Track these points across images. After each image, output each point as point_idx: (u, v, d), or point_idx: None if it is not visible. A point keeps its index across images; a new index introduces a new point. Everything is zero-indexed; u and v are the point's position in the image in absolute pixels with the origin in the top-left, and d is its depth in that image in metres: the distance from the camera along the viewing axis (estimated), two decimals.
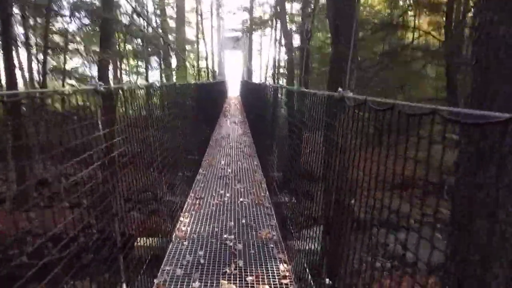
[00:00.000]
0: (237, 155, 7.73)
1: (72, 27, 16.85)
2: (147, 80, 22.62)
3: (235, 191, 5.21)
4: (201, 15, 23.22)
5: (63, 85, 12.96)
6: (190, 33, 26.47)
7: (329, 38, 19.72)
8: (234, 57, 32.48)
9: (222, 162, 7.04)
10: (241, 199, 4.80)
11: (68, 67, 19.65)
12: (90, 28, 15.42)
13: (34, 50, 14.54)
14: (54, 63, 17.85)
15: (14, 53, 12.77)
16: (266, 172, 6.14)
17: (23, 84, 13.97)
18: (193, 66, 21.01)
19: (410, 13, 13.39)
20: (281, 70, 20.56)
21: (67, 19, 14.58)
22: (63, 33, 16.28)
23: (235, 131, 11.01)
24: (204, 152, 7.89)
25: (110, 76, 22.38)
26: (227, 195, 5.00)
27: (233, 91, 28.95)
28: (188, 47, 25.54)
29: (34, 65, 16.70)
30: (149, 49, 20.72)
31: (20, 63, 13.10)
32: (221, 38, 29.38)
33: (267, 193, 5.14)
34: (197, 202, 4.73)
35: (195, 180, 5.80)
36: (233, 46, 27.69)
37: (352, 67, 7.14)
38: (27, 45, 14.30)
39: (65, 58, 16.85)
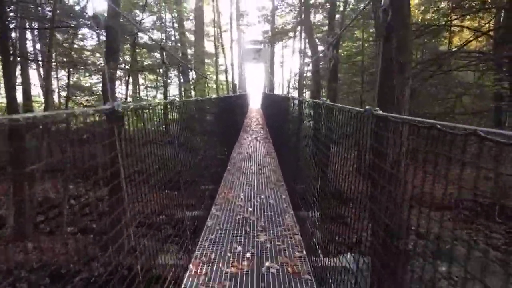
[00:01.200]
0: (260, 184, 6.27)
1: (92, 42, 16.12)
2: (165, 94, 21.70)
3: (259, 247, 3.73)
4: (220, 27, 22.17)
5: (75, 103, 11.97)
6: (209, 46, 25.53)
7: (355, 47, 18.24)
8: (255, 69, 31.32)
9: (242, 196, 5.58)
10: (267, 264, 3.31)
11: (89, 83, 19.02)
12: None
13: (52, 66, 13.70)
14: (74, 79, 17.15)
15: (17, 68, 11.89)
16: (298, 212, 4.65)
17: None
18: (212, 80, 19.88)
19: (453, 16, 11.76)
20: (305, 81, 19.13)
21: (87, 33, 13.77)
22: (80, 48, 15.53)
23: (257, 151, 9.58)
24: (220, 181, 6.47)
25: (129, 91, 21.61)
26: (247, 255, 3.51)
27: (255, 104, 27.69)
28: (207, 60, 24.54)
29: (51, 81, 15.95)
30: (168, 62, 19.82)
31: (27, 78, 12.18)
32: (241, 50, 28.28)
33: (304, 251, 3.63)
34: (203, 270, 3.26)
35: (205, 227, 4.36)
36: (254, 58, 26.50)
37: (406, 75, 5.63)
38: (39, 60, 13.45)
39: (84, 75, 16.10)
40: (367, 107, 2.02)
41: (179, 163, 3.69)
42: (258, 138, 11.96)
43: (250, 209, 4.97)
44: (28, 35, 14.10)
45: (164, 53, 3.27)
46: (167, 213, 4.06)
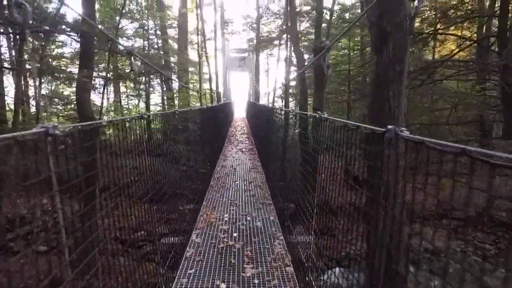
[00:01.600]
0: (246, 204, 5.75)
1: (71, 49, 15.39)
2: (147, 103, 21.02)
3: (245, 284, 3.20)
4: (204, 35, 21.68)
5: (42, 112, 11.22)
6: (193, 54, 24.98)
7: (341, 56, 18.02)
8: (240, 78, 30.93)
9: (226, 218, 5.05)
10: None
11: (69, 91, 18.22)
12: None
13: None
14: (53, 88, 16.33)
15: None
16: (289, 238, 4.16)
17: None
18: (196, 90, 19.32)
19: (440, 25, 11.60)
20: (291, 90, 18.75)
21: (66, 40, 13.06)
22: (55, 56, 14.78)
23: (242, 163, 9.06)
24: (202, 199, 5.93)
25: (110, 100, 20.82)
26: None
27: (240, 112, 27.21)
28: (191, 68, 23.97)
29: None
30: (138, 70, 19.26)
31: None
32: (226, 58, 27.85)
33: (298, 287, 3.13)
34: None
35: (184, 258, 3.80)
36: (238, 66, 26.08)
37: (403, 84, 5.25)
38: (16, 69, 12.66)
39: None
40: (389, 126, 1.54)
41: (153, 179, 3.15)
42: (243, 149, 11.46)
43: (235, 234, 4.44)
44: (4, 42, 13.35)
45: (132, 59, 2.74)
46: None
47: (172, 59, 23.18)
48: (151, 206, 3.33)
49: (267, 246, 4.08)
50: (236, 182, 7.12)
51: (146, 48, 21.14)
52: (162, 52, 20.99)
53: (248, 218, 5.03)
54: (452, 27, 12.23)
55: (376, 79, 5.61)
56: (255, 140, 12.71)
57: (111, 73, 14.16)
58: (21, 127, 11.89)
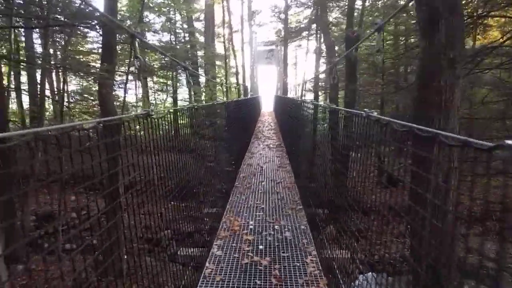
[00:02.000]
0: (274, 209, 5.18)
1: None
2: (174, 97, 20.86)
3: None
4: (231, 27, 21.17)
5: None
6: (220, 47, 24.57)
7: (372, 47, 17.00)
8: (267, 71, 30.28)
9: (251, 226, 4.51)
10: None
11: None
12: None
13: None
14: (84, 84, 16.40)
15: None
16: (324, 254, 3.57)
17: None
18: (222, 84, 18.88)
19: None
20: (320, 83, 17.93)
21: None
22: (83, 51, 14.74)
23: (269, 161, 8.49)
24: (225, 202, 5.43)
25: (138, 95, 20.81)
26: None
27: (267, 107, 26.61)
28: (218, 62, 23.57)
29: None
30: (141, 57, 19.06)
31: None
32: (253, 51, 27.26)
33: None
34: None
35: (202, 276, 3.29)
36: (266, 58, 25.42)
37: (457, 73, 4.52)
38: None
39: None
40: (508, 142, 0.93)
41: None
42: (271, 145, 10.89)
43: (261, 246, 3.90)
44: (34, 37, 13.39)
45: (137, 44, 2.21)
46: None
47: (199, 53, 22.88)
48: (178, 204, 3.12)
49: (298, 264, 3.51)
50: (263, 183, 6.57)
51: (173, 41, 20.92)
52: (188, 46, 20.68)
53: (276, 227, 4.47)
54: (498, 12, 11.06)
55: (422, 69, 4.88)
56: (283, 136, 12.11)
57: (134, 67, 13.87)
58: (47, 123, 11.84)
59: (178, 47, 20.47)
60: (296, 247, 3.91)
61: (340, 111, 4.02)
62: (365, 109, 2.50)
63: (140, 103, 21.29)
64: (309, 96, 19.71)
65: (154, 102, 21.19)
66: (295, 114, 9.64)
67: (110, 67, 7.64)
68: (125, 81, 11.02)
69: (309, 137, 6.68)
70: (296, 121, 9.27)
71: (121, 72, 17.00)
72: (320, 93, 18.48)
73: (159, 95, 22.95)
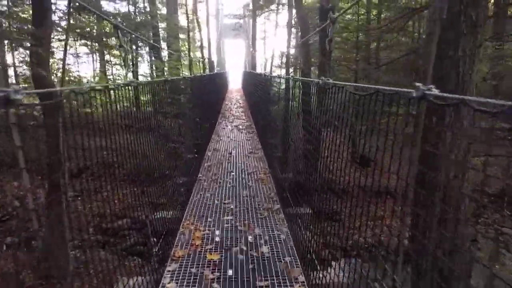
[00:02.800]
0: (246, 210, 4.14)
1: None
2: (135, 73, 19.10)
3: None
4: None
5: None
6: (184, 20, 22.68)
7: (349, 20, 16.02)
8: (235, 47, 28.67)
9: (217, 237, 3.45)
10: None
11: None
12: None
13: None
14: None
15: None
16: (310, 273, 2.61)
17: None
18: (190, 60, 17.31)
19: None
20: (291, 59, 16.80)
21: None
22: None
23: (239, 146, 7.41)
24: (185, 205, 4.32)
25: (96, 69, 18.91)
26: None
27: (235, 83, 25.24)
28: (182, 35, 21.76)
29: None
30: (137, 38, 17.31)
31: None
32: (220, 25, 25.52)
33: None
34: None
35: None
36: (234, 29, 23.81)
37: (479, 39, 3.62)
38: None
39: None
40: None
41: None
42: (240, 126, 9.78)
43: (230, 272, 2.86)
44: None
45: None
46: None
47: (161, 24, 21.00)
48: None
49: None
50: (232, 174, 5.50)
51: (133, 13, 18.95)
52: (149, 17, 18.80)
53: (249, 238, 3.43)
54: None
55: (430, 35, 3.89)
56: (253, 116, 11.02)
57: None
58: None
59: (138, 20, 18.60)
60: (277, 268, 2.91)
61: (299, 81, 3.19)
62: (321, 77, 2.49)
63: (97, 79, 19.34)
64: (279, 72, 18.60)
65: (111, 77, 19.30)
66: (265, 91, 8.60)
67: (42, 33, 6.13)
68: (64, 50, 9.14)
69: (281, 116, 5.68)
70: (267, 99, 8.27)
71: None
72: (290, 70, 17.41)
73: (118, 70, 21.05)
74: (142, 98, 4.24)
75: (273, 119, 7.33)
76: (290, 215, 3.82)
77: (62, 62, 8.46)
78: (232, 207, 4.22)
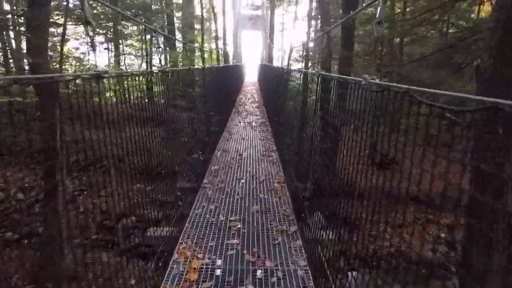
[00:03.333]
0: (256, 231, 3.40)
1: None
2: (149, 63, 18.51)
3: None
4: None
5: None
6: (199, 10, 21.91)
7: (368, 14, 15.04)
8: (252, 39, 27.79)
9: (218, 271, 2.73)
10: None
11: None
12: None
13: None
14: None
15: None
16: None
17: None
18: (201, 49, 16.53)
19: None
20: (311, 52, 15.92)
21: None
22: None
23: (251, 147, 6.66)
24: (184, 220, 3.61)
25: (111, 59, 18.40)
26: None
27: (251, 76, 24.42)
28: (197, 26, 21.03)
29: None
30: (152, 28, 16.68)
31: None
32: (236, 15, 24.66)
33: None
34: None
35: None
36: (251, 20, 22.94)
37: None
38: None
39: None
40: None
41: None
42: (253, 123, 9.03)
43: None
44: None
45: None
46: None
47: (176, 14, 20.36)
48: None
49: None
50: (242, 181, 4.76)
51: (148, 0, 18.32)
52: (164, 5, 18.12)
53: (259, 273, 2.70)
54: None
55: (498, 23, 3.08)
56: (268, 112, 10.25)
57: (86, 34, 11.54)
58: None
59: (153, 7, 17.98)
60: None
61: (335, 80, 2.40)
62: (364, 76, 1.92)
63: (108, 68, 18.81)
64: (297, 66, 17.71)
65: (124, 67, 18.77)
66: (283, 86, 7.83)
67: (37, 13, 5.48)
68: (62, 33, 8.33)
69: (301, 116, 4.92)
70: (284, 95, 7.51)
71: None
72: (309, 63, 16.51)
73: (132, 60, 20.54)
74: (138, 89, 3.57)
75: (291, 119, 6.58)
76: (310, 241, 3.07)
77: (60, 49, 7.83)
78: (239, 226, 3.49)
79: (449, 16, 12.42)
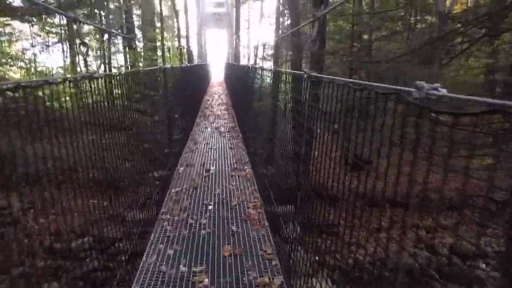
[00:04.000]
0: (233, 282, 2.48)
1: None
2: (109, 64, 17.05)
3: None
4: None
5: None
6: (162, 7, 20.56)
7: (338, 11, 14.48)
8: (217, 37, 26.66)
9: None
10: None
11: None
12: None
13: None
14: None
15: None
16: None
17: None
18: (161, 48, 15.31)
19: None
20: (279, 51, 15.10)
21: None
22: None
23: (220, 159, 5.71)
24: (133, 271, 2.62)
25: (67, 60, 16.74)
26: None
27: (217, 76, 23.33)
28: (159, 24, 19.69)
29: None
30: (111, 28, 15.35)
31: None
32: (200, 13, 23.46)
33: None
34: None
35: None
36: (215, 18, 21.85)
37: None
38: None
39: None
40: None
41: None
42: (222, 129, 8.07)
43: None
44: None
45: None
46: None
47: (136, 12, 18.97)
48: None
49: None
50: (210, 208, 3.81)
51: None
52: (122, 2, 16.71)
53: None
54: None
55: None
56: (237, 114, 9.33)
57: None
58: None
59: (110, 4, 16.55)
60: None
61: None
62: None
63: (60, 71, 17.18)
64: (265, 65, 16.90)
65: (85, 70, 17.17)
66: (250, 86, 7.02)
67: None
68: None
69: (272, 117, 4.09)
70: (252, 96, 6.71)
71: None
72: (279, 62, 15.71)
73: (91, 61, 18.90)
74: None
75: (262, 122, 5.74)
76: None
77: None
78: (206, 282, 2.55)
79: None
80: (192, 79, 10.44)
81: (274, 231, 3.19)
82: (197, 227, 3.39)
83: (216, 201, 3.99)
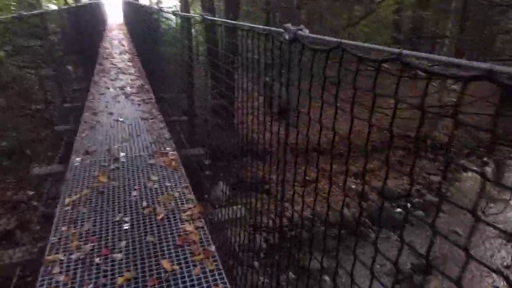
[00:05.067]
0: None
1: None
2: None
3: None
4: None
5: None
6: None
7: None
8: None
9: None
10: None
11: None
12: None
13: None
14: None
15: None
16: None
17: None
18: None
19: None
20: None
21: None
22: None
23: (133, 137, 4.34)
24: None
25: None
26: None
27: (116, 17, 19.89)
28: None
29: None
30: None
31: None
32: None
33: None
34: None
35: None
36: None
37: None
38: None
39: None
40: None
41: None
42: (128, 88, 6.42)
43: None
44: None
45: None
46: None
47: None
48: None
49: None
50: (125, 227, 2.62)
51: None
52: None
53: None
54: None
55: None
56: (145, 68, 7.68)
57: None
58: None
59: None
60: None
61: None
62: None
63: None
64: (172, 3, 14.57)
65: None
66: (155, 31, 5.65)
67: None
68: None
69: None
70: (158, 42, 5.45)
71: None
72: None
73: None
74: None
75: (181, 80, 4.55)
76: None
77: None
78: None
79: None
80: (84, 22, 8.28)
81: (227, 271, 2.21)
82: (109, 269, 2.22)
83: (134, 212, 2.80)
